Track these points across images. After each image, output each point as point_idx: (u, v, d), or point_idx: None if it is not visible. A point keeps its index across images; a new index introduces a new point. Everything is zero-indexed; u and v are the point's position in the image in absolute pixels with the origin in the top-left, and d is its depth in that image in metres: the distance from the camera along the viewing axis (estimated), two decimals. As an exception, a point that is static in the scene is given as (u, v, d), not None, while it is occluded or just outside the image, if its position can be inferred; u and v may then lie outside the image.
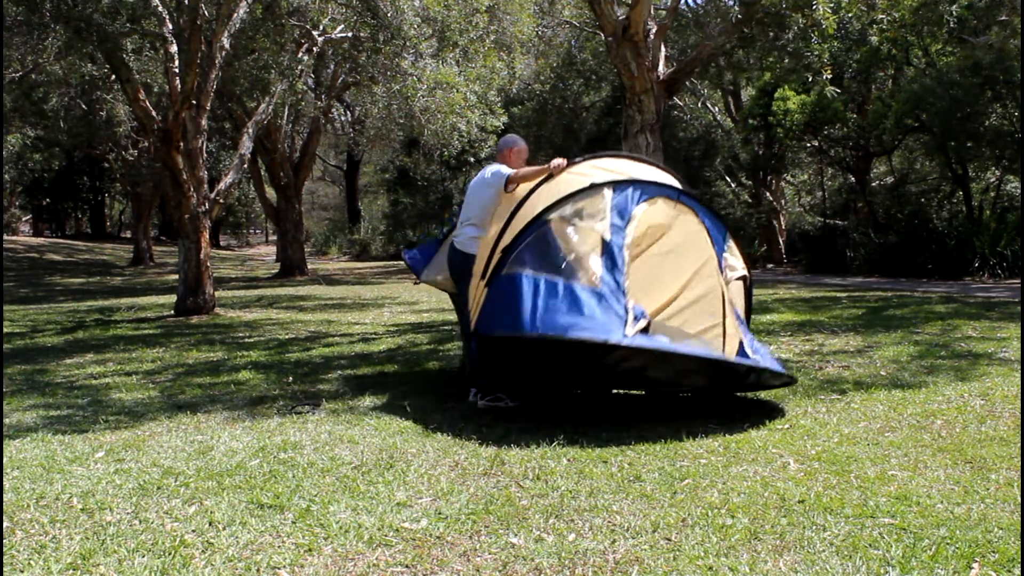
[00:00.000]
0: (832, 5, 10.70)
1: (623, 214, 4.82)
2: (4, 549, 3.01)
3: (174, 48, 11.39)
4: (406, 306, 12.98)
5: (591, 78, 25.16)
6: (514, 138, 5.70)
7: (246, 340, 9.16)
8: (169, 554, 2.94)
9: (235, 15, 11.05)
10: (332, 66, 19.77)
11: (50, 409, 5.61)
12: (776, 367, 4.92)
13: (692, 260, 5.43)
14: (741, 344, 4.95)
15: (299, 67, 13.21)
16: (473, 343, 5.20)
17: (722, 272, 5.05)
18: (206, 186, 11.91)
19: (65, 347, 8.93)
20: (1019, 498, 3.36)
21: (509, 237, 5.03)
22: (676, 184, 5.29)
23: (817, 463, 3.93)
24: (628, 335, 4.42)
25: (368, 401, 5.62)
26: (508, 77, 16.88)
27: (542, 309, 4.58)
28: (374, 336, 9.25)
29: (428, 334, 9.39)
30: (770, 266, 23.09)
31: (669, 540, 3.02)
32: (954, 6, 13.40)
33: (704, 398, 5.45)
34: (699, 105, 26.26)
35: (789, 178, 25.88)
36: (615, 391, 5.72)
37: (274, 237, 40.88)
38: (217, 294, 12.85)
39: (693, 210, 5.07)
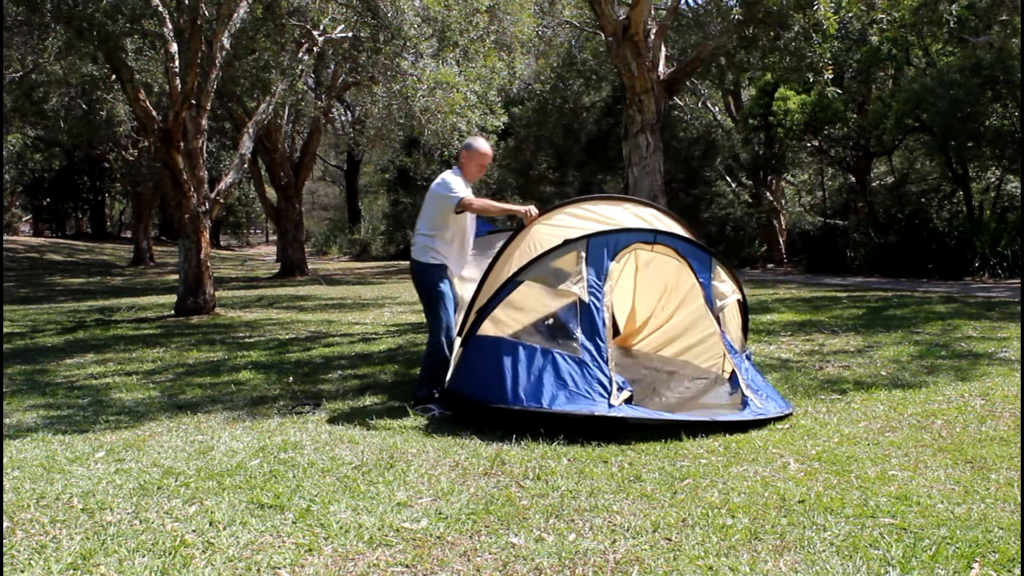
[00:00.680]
0: (833, 5, 10.69)
1: (599, 272, 4.69)
2: (4, 549, 3.01)
3: (174, 48, 11.39)
4: (406, 306, 12.98)
5: (591, 78, 25.16)
6: (470, 141, 5.43)
7: (246, 340, 9.16)
8: (169, 554, 2.95)
9: (235, 15, 11.05)
10: (332, 66, 19.77)
11: (50, 409, 5.61)
12: (774, 410, 4.77)
13: (676, 296, 5.50)
14: (734, 374, 4.93)
15: (299, 67, 13.21)
16: (428, 359, 5.18)
17: (710, 303, 4.98)
18: (206, 186, 11.91)
19: (65, 347, 8.93)
20: (1019, 498, 3.36)
21: (484, 297, 4.92)
22: (654, 222, 5.18)
23: (817, 463, 3.93)
24: (614, 404, 4.36)
25: (368, 401, 5.62)
26: (508, 77, 16.87)
27: (524, 379, 4.49)
28: (374, 336, 9.25)
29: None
30: (770, 266, 23.08)
31: (669, 540, 3.02)
32: (954, 6, 13.39)
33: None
34: (699, 105, 26.25)
35: (789, 178, 25.86)
36: None
37: (274, 237, 40.89)
38: (217, 294, 12.85)
39: (672, 248, 4.98)
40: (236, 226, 52.12)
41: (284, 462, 4.11)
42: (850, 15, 11.66)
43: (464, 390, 4.80)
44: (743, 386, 4.78)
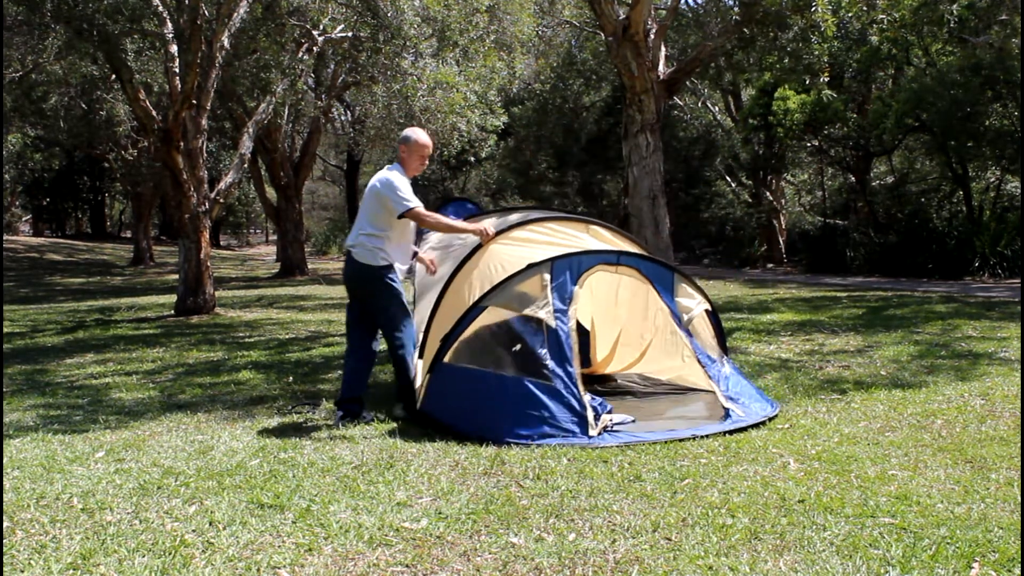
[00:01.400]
0: (831, 6, 10.69)
1: (564, 297, 4.61)
2: (4, 549, 3.01)
3: (174, 48, 11.39)
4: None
5: (591, 78, 25.17)
6: (408, 134, 5.01)
7: (246, 340, 9.16)
8: (169, 554, 2.94)
9: (235, 15, 11.04)
10: (332, 66, 19.77)
11: (50, 409, 5.61)
12: (758, 413, 4.76)
13: (646, 312, 5.45)
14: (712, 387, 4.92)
15: (299, 67, 13.21)
16: (355, 362, 4.99)
17: (677, 319, 4.98)
18: (206, 186, 11.91)
19: (65, 347, 8.93)
20: (1019, 498, 3.36)
21: (446, 323, 4.76)
22: (616, 242, 5.15)
23: (817, 463, 3.93)
24: (592, 436, 4.31)
25: (368, 401, 5.62)
26: (508, 77, 16.88)
27: (500, 412, 4.41)
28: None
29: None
30: (770, 266, 23.08)
31: (669, 540, 3.02)
32: (954, 6, 13.40)
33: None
34: (699, 105, 26.26)
35: (789, 178, 25.88)
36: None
37: (274, 237, 40.87)
38: (217, 294, 12.85)
39: (635, 268, 4.95)
40: (236, 226, 52.11)
41: (284, 462, 4.11)
42: (850, 15, 11.66)
43: (439, 416, 4.68)
44: (722, 399, 4.74)
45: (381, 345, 5.16)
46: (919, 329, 8.44)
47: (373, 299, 4.90)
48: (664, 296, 4.98)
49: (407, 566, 2.85)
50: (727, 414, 4.64)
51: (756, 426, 4.67)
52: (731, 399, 4.76)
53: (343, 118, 33.27)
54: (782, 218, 23.90)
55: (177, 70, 11.33)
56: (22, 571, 2.84)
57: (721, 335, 5.32)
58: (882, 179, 22.89)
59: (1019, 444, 4.15)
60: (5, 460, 4.20)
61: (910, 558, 2.80)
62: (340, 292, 16.70)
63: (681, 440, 4.37)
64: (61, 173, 36.23)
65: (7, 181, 34.50)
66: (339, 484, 3.71)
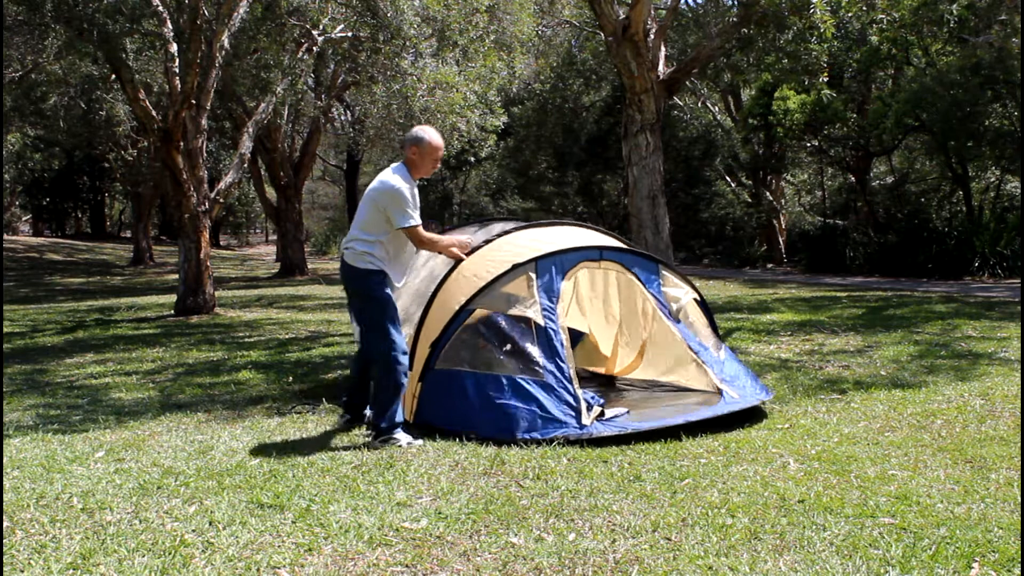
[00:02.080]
0: (831, 7, 10.70)
1: (551, 294, 4.64)
2: (4, 549, 3.01)
3: (174, 48, 11.38)
4: (406, 306, 12.97)
5: (591, 78, 25.16)
6: (421, 134, 4.59)
7: (246, 340, 9.16)
8: (169, 554, 2.94)
9: (235, 15, 11.04)
10: (332, 66, 19.76)
11: (50, 409, 5.61)
12: (752, 396, 4.78)
13: (633, 306, 5.42)
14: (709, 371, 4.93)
15: (299, 67, 13.20)
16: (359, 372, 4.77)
17: (665, 309, 4.99)
18: (206, 186, 11.91)
19: (65, 347, 8.93)
20: (1019, 498, 3.36)
21: (436, 328, 4.73)
22: (597, 239, 5.15)
23: (817, 463, 3.93)
24: (585, 425, 4.32)
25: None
26: (508, 77, 16.88)
27: (492, 410, 4.40)
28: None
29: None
30: (770, 266, 23.08)
31: (669, 540, 3.02)
32: (954, 6, 13.41)
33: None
34: (699, 105, 26.25)
35: (789, 178, 25.88)
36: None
37: (274, 237, 40.87)
38: (217, 294, 12.85)
39: (618, 263, 4.98)
40: (236, 226, 52.07)
41: (284, 462, 4.11)
42: (849, 15, 11.66)
43: (432, 420, 4.67)
44: (716, 380, 4.77)
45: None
46: (919, 329, 8.45)
47: (356, 301, 4.65)
48: (650, 288, 5.01)
49: (407, 566, 2.85)
50: (721, 396, 4.66)
51: (756, 426, 4.67)
52: (724, 381, 4.79)
53: (343, 118, 33.25)
54: (782, 218, 23.90)
55: (177, 70, 11.32)
56: (22, 571, 2.84)
57: (713, 324, 5.34)
58: (882, 179, 22.90)
59: (1019, 444, 4.15)
60: (5, 460, 4.20)
61: (910, 558, 2.80)
62: (340, 292, 16.69)
63: (674, 427, 4.40)
64: (61, 173, 36.22)
65: (7, 181, 34.49)
66: (339, 484, 3.71)
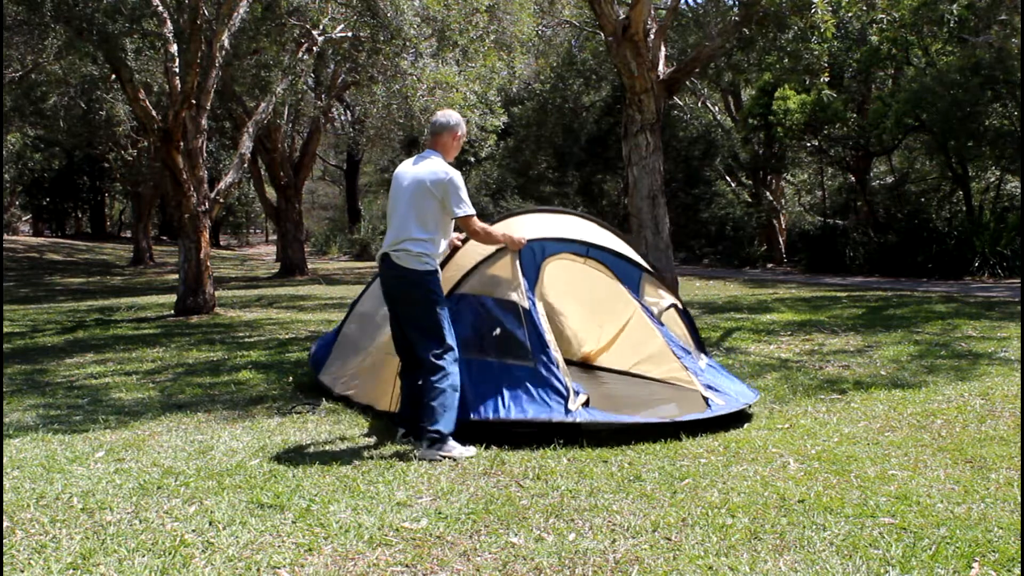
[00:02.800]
0: (832, 6, 10.69)
1: (531, 276, 4.68)
2: (4, 549, 3.01)
3: (174, 48, 11.39)
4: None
5: (591, 78, 25.16)
6: (453, 118, 4.48)
7: (246, 340, 9.16)
8: (169, 554, 2.94)
9: (235, 15, 11.04)
10: (332, 66, 19.77)
11: (50, 409, 5.61)
12: (740, 401, 4.74)
13: (615, 304, 5.27)
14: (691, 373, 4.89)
15: (299, 67, 13.21)
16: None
17: (648, 311, 4.97)
18: (206, 186, 11.91)
19: (65, 347, 8.93)
20: (1019, 498, 3.36)
21: None
22: (590, 235, 5.12)
23: (817, 463, 3.93)
24: (571, 410, 4.29)
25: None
26: (508, 77, 16.90)
27: (480, 393, 4.40)
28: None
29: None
30: (770, 266, 23.08)
31: (669, 540, 3.02)
32: (954, 6, 13.41)
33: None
34: (699, 105, 26.25)
35: (789, 178, 25.88)
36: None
37: (274, 237, 40.88)
38: (217, 294, 12.85)
39: (602, 263, 4.98)
40: (236, 226, 52.10)
41: (284, 462, 4.11)
42: (850, 15, 11.65)
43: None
44: (700, 389, 4.71)
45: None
46: (919, 329, 8.45)
47: (412, 308, 4.28)
48: (632, 291, 5.04)
49: (407, 566, 2.85)
50: (707, 403, 4.61)
51: (756, 426, 4.67)
52: (710, 388, 4.76)
53: (343, 118, 33.27)
54: (782, 218, 23.90)
55: (177, 70, 11.33)
56: (22, 571, 2.84)
57: (695, 333, 5.32)
58: (882, 179, 22.90)
59: (1019, 444, 4.15)
60: (5, 460, 4.20)
61: (910, 558, 2.80)
62: (340, 292, 16.70)
63: (671, 425, 4.38)
64: (61, 173, 36.22)
65: (7, 181, 34.49)
66: (339, 484, 3.71)
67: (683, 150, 25.00)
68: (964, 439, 4.29)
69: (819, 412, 5.02)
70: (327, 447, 4.40)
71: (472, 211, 4.34)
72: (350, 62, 16.42)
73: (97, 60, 13.28)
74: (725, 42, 12.02)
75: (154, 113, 11.58)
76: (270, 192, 25.89)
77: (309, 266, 25.03)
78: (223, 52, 11.25)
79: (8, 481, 3.83)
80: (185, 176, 11.38)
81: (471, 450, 4.15)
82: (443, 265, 4.65)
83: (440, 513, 3.31)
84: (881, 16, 12.01)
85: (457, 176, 4.29)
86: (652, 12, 11.62)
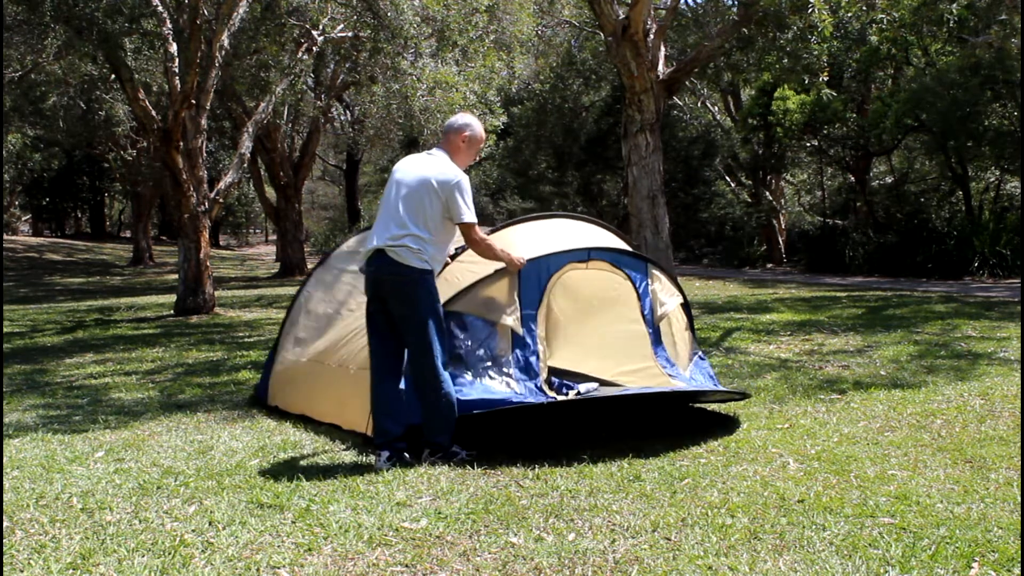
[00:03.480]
0: (831, 6, 10.69)
1: (533, 302, 4.44)
2: (4, 549, 3.01)
3: (174, 48, 11.39)
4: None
5: (591, 78, 25.14)
6: (470, 120, 4.34)
7: (246, 340, 9.16)
8: (169, 554, 2.94)
9: (235, 15, 11.04)
10: (332, 66, 19.77)
11: (50, 409, 5.61)
12: (711, 387, 4.71)
13: (615, 311, 5.07)
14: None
15: (299, 67, 13.21)
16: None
17: (650, 315, 4.81)
18: (206, 186, 11.91)
19: (65, 347, 8.93)
20: (1019, 498, 3.36)
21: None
22: (588, 238, 4.91)
23: (817, 463, 3.93)
24: (550, 396, 4.22)
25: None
26: (508, 77, 16.90)
27: (460, 394, 4.17)
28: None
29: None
30: (769, 265, 23.08)
31: (669, 540, 3.02)
32: (954, 5, 13.40)
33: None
34: (699, 105, 26.26)
35: (789, 177, 25.88)
36: None
37: (274, 237, 40.85)
38: (217, 294, 12.84)
39: (607, 262, 4.77)
40: (236, 226, 52.07)
41: (284, 462, 4.11)
42: (849, 15, 11.65)
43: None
44: (674, 384, 4.66)
45: None
46: (919, 329, 8.45)
47: (413, 309, 4.05)
48: (639, 286, 4.82)
49: (407, 566, 2.85)
50: (680, 380, 4.64)
51: (756, 426, 4.67)
52: (688, 385, 4.73)
53: (343, 118, 33.28)
54: (782, 218, 23.90)
55: (177, 70, 11.33)
56: (22, 571, 2.84)
57: (692, 329, 5.26)
58: (882, 179, 22.90)
59: (1019, 444, 4.15)
60: (5, 460, 4.20)
61: (909, 558, 2.80)
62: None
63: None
64: (61, 173, 36.19)
65: (7, 181, 34.47)
66: (339, 484, 3.71)
67: (683, 150, 24.99)
68: (964, 439, 4.29)
69: (819, 412, 5.02)
70: (327, 447, 4.40)
71: (475, 219, 4.18)
72: (350, 62, 16.43)
73: (97, 60, 13.28)
74: (724, 42, 12.03)
75: (154, 113, 11.57)
76: (270, 192, 25.89)
77: (309, 266, 25.00)
78: (223, 52, 11.24)
79: (8, 481, 3.83)
80: (185, 176, 11.38)
81: (473, 453, 4.10)
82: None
83: (440, 513, 3.31)
84: (881, 16, 12.01)
85: (465, 180, 4.14)
86: (652, 12, 11.62)
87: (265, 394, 5.59)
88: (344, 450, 4.31)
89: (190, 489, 3.68)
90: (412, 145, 27.94)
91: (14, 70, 15.77)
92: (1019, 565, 2.74)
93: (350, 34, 13.75)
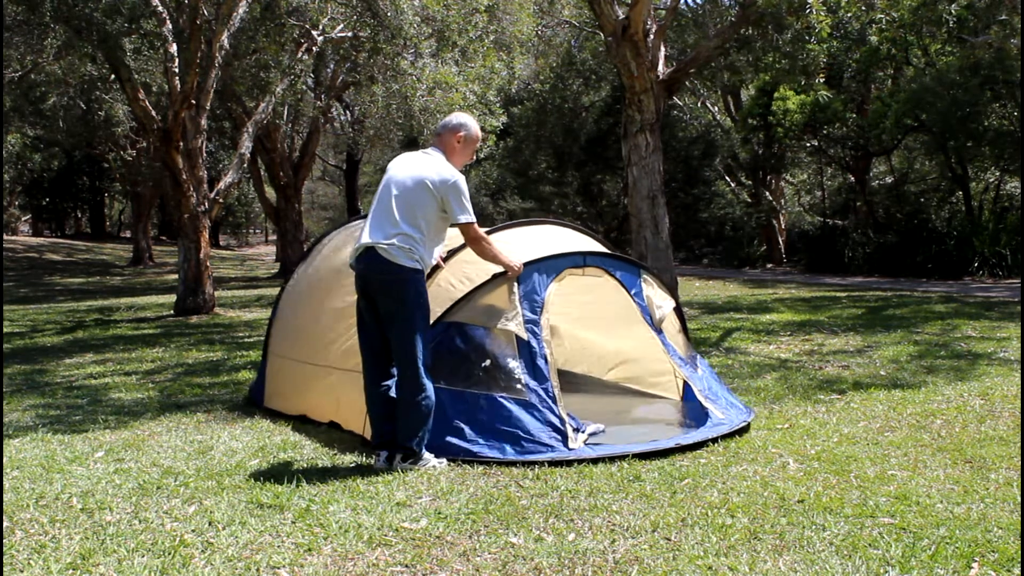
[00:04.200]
0: (830, 6, 10.69)
1: (534, 305, 4.36)
2: (4, 549, 3.01)
3: (174, 48, 11.39)
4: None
5: (591, 78, 25.14)
6: (465, 119, 4.30)
7: (246, 340, 9.16)
8: (169, 554, 2.94)
9: (235, 15, 11.04)
10: (332, 66, 19.77)
11: (50, 409, 5.61)
12: (737, 419, 4.57)
13: (616, 316, 5.13)
14: (687, 386, 4.82)
15: (299, 67, 13.21)
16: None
17: (648, 317, 4.79)
18: (206, 186, 11.92)
19: (65, 347, 8.93)
20: (1019, 498, 3.36)
21: None
22: (581, 243, 4.90)
23: (817, 463, 3.93)
24: (572, 448, 4.05)
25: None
26: (508, 77, 16.89)
27: (474, 427, 4.10)
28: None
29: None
30: (769, 266, 23.08)
31: (669, 540, 3.02)
32: (953, 6, 13.40)
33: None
34: (699, 105, 26.25)
35: (789, 178, 25.88)
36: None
37: (274, 237, 40.88)
38: (217, 294, 12.84)
39: (601, 268, 4.74)
40: (236, 226, 52.10)
41: (284, 462, 4.11)
42: (849, 15, 11.65)
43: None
44: (700, 398, 4.59)
45: None
46: (918, 329, 8.45)
47: (401, 308, 3.98)
48: (632, 291, 4.80)
49: (406, 566, 2.85)
50: (705, 414, 4.50)
51: (756, 426, 4.67)
52: (709, 399, 4.63)
53: (343, 118, 33.27)
54: (781, 218, 23.91)
55: (177, 70, 11.33)
56: (22, 571, 2.84)
57: (686, 332, 5.25)
58: (881, 179, 22.91)
59: (1019, 444, 4.15)
60: (5, 460, 4.20)
61: (909, 558, 2.80)
62: (339, 292, 16.66)
63: (666, 451, 4.16)
64: (60, 173, 36.19)
65: (7, 181, 34.47)
66: (339, 484, 3.71)
67: (683, 150, 24.98)
68: (963, 439, 4.29)
69: (819, 412, 5.02)
70: (327, 447, 4.39)
71: (474, 219, 4.12)
72: (350, 62, 16.42)
73: (96, 60, 13.29)
74: (724, 42, 12.03)
75: (154, 113, 11.58)
76: (270, 192, 25.90)
77: (309, 266, 24.98)
78: (223, 52, 11.25)
79: (8, 481, 3.83)
80: (185, 176, 11.38)
81: (443, 462, 4.02)
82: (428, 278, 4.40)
83: (440, 513, 3.31)
84: (880, 16, 12.02)
85: (462, 180, 4.09)
86: (652, 12, 11.62)
87: (260, 397, 5.56)
88: (344, 450, 4.31)
89: (190, 489, 3.68)
90: (412, 145, 27.90)
91: (14, 70, 15.78)
92: (1019, 565, 2.74)
93: (350, 34, 13.75)
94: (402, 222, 3.99)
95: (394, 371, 4.10)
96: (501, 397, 4.15)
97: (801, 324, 9.16)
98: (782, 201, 24.55)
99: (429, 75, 12.44)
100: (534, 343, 4.29)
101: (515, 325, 4.28)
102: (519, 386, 4.19)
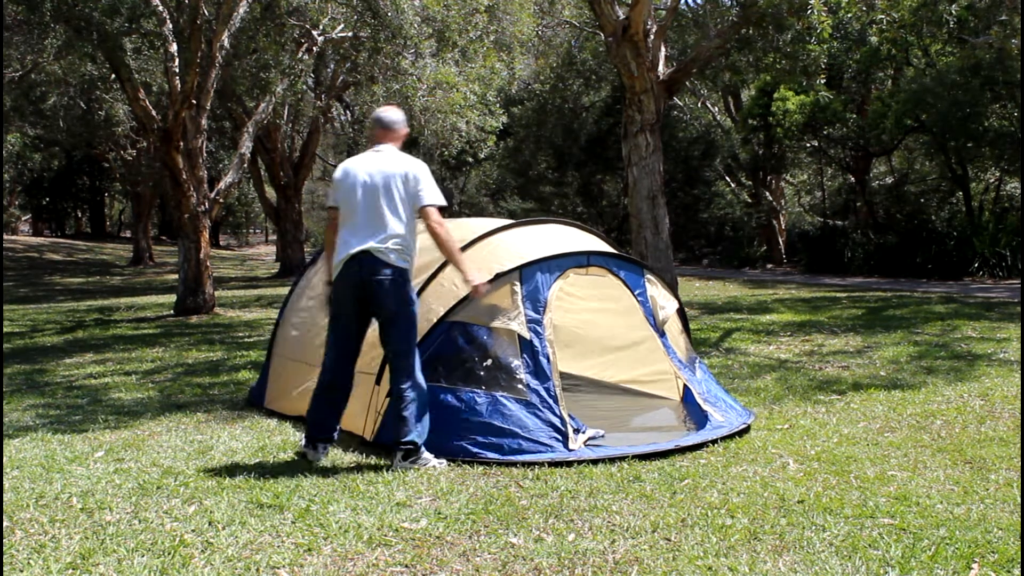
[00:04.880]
0: (831, 7, 10.70)
1: (537, 304, 4.33)
2: (4, 549, 3.01)
3: (174, 48, 11.39)
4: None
5: (591, 78, 25.15)
6: (396, 116, 4.29)
7: (246, 340, 9.16)
8: (169, 554, 2.94)
9: (235, 15, 11.04)
10: (332, 66, 19.76)
11: (49, 409, 5.61)
12: (736, 421, 4.55)
13: (618, 316, 5.13)
14: (687, 389, 4.80)
15: (299, 67, 13.21)
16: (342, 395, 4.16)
17: (651, 319, 4.77)
18: (206, 186, 11.91)
19: (64, 347, 8.92)
20: (1019, 498, 3.36)
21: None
22: (585, 243, 4.86)
23: (817, 463, 3.93)
24: (573, 449, 4.04)
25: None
26: (508, 77, 16.91)
27: (474, 427, 4.07)
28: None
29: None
30: (769, 266, 23.09)
31: (669, 540, 3.02)
32: (954, 6, 13.40)
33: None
34: (699, 105, 26.26)
35: (789, 178, 25.88)
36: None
37: (274, 237, 40.86)
38: (217, 294, 12.85)
39: (605, 268, 4.72)
40: (236, 226, 52.10)
41: (284, 462, 4.11)
42: (849, 15, 11.66)
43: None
44: (700, 401, 4.58)
45: None
46: (918, 330, 8.45)
47: (398, 306, 3.99)
48: (636, 291, 4.78)
49: (406, 566, 2.85)
50: (705, 417, 4.48)
51: (756, 426, 4.67)
52: (708, 402, 4.61)
53: (343, 118, 33.26)
54: (781, 218, 23.92)
55: (177, 70, 11.33)
56: (22, 571, 2.84)
57: (688, 333, 5.24)
58: (881, 179, 22.91)
59: (1018, 444, 4.15)
60: (5, 460, 4.20)
61: (909, 559, 2.80)
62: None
63: (666, 452, 4.14)
64: (60, 173, 36.18)
65: (7, 181, 34.46)
66: (339, 484, 3.71)
67: (683, 150, 25.00)
68: (963, 440, 4.29)
69: (818, 413, 5.02)
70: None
71: (444, 202, 4.10)
72: (350, 62, 16.42)
73: (96, 60, 13.28)
74: (724, 43, 12.02)
75: (154, 113, 11.58)
76: (270, 192, 25.90)
77: (309, 266, 24.98)
78: (223, 52, 11.25)
79: (8, 481, 3.83)
80: (185, 176, 11.38)
81: (443, 462, 4.01)
82: (424, 287, 4.45)
83: (439, 513, 3.31)
84: (880, 16, 12.03)
85: (424, 165, 4.12)
86: (652, 12, 11.62)
87: (261, 398, 5.55)
88: (344, 450, 4.31)
89: (190, 489, 3.67)
90: (412, 145, 27.91)
91: (14, 70, 15.78)
92: (1019, 566, 2.74)
93: (350, 34, 13.75)
94: (392, 223, 3.98)
95: (354, 371, 4.13)
96: (502, 396, 4.15)
97: (801, 325, 9.16)
98: (782, 201, 24.56)
99: (429, 75, 12.45)
100: (536, 342, 4.28)
101: (517, 324, 4.28)
102: (520, 386, 4.18)
